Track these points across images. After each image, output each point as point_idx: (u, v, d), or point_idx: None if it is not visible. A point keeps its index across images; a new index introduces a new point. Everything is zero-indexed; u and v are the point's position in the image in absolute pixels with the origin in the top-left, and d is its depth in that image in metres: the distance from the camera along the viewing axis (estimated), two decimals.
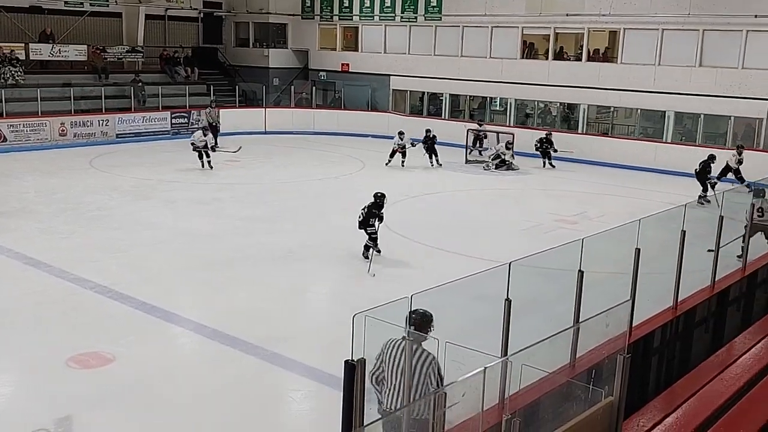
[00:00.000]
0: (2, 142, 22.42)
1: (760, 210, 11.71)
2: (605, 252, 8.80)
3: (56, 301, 10.50)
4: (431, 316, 5.37)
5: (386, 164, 21.90)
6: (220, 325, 9.64)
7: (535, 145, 22.75)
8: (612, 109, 25.08)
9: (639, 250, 7.30)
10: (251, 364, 8.74)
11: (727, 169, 18.51)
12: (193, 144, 20.72)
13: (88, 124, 24.52)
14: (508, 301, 6.10)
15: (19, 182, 18.16)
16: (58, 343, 8.96)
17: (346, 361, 5.00)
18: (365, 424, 4.86)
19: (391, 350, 5.34)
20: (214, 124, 24.31)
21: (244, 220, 15.24)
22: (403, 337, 5.29)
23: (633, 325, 6.91)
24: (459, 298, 8.43)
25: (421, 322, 5.30)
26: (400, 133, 22.29)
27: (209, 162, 20.41)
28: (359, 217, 12.51)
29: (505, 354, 5.89)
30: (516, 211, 17.30)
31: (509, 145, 22.13)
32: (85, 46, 27.31)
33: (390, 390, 5.35)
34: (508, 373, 4.38)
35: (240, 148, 22.01)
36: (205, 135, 20.71)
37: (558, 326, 6.10)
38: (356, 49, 30.84)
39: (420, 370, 5.16)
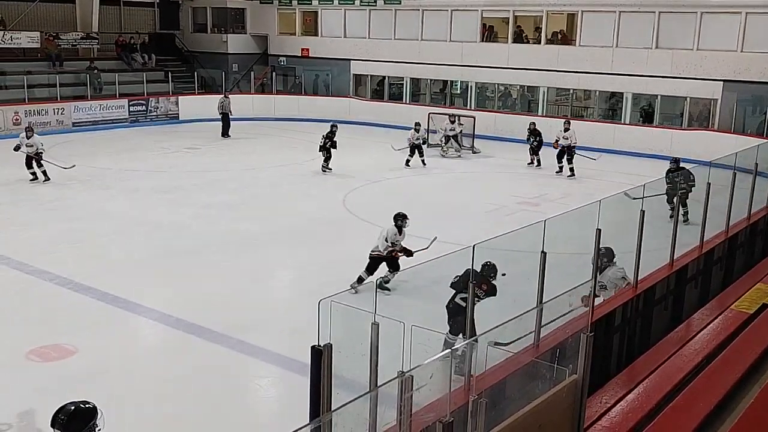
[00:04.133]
0: None
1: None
2: (567, 233, 8.92)
3: (15, 293, 10.32)
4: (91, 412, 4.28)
5: (407, 164, 19.57)
6: (184, 314, 9.57)
7: (528, 138, 20.69)
8: (571, 91, 25.31)
9: (600, 230, 7.41)
10: (216, 352, 8.69)
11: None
12: (18, 147, 16.74)
13: (43, 112, 24.02)
14: (473, 284, 6.15)
15: None
16: (18, 336, 8.81)
17: (313, 347, 5.01)
18: (333, 409, 4.88)
19: None
20: (226, 113, 24.48)
21: (207, 207, 15.11)
22: None
23: (594, 304, 7.02)
24: (423, 282, 8.49)
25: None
26: (417, 125, 19.90)
27: (44, 172, 16.60)
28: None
29: (472, 335, 5.95)
30: (479, 194, 17.39)
31: (452, 118, 22.17)
32: (38, 32, 26.71)
33: None
34: (474, 355, 4.42)
35: (74, 166, 17.32)
36: (29, 137, 16.70)
37: (521, 308, 6.18)
38: (316, 34, 30.61)
39: None
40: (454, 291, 7.57)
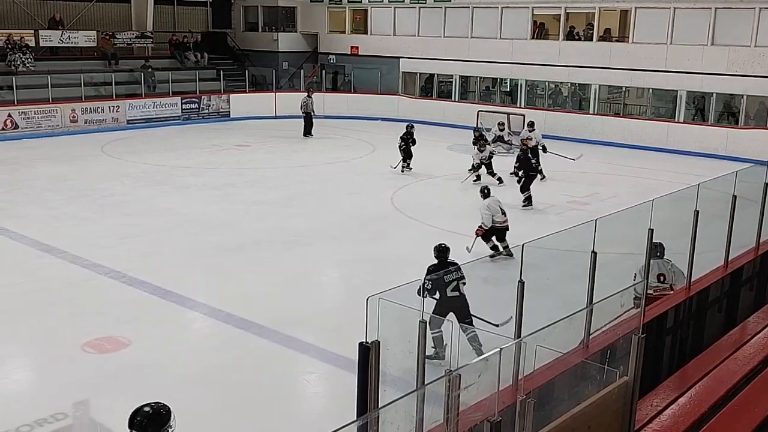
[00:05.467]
0: (14, 129, 22.51)
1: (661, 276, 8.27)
2: (618, 233, 8.80)
3: (71, 286, 10.59)
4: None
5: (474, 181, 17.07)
6: (234, 309, 9.70)
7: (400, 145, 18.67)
8: (624, 88, 24.92)
9: (652, 230, 7.30)
10: (265, 347, 8.79)
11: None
12: None
13: (99, 110, 24.57)
14: (522, 283, 6.11)
15: (31, 169, 18.23)
16: (74, 328, 9.04)
17: (361, 344, 5.03)
18: (380, 406, 4.89)
19: None
20: (309, 112, 24.33)
21: (256, 204, 15.29)
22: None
23: (646, 305, 6.91)
24: (472, 280, 8.45)
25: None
26: (481, 142, 17.73)
27: None
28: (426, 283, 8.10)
29: (519, 335, 5.90)
30: None
31: (501, 127, 21.95)
32: (95, 32, 27.32)
33: None
34: (522, 355, 4.40)
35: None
36: None
37: (570, 308, 6.11)
38: (365, 32, 30.70)
39: None
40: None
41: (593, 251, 6.52)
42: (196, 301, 10.03)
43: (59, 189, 16.24)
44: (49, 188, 16.25)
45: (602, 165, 20.20)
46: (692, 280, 8.09)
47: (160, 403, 4.32)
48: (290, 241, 12.84)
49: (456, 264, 8.25)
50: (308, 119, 24.37)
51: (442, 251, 8.43)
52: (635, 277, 7.80)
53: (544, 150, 18.04)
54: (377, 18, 30.19)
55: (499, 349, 3.98)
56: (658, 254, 8.17)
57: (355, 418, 4.85)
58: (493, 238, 11.57)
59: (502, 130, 21.86)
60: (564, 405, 4.55)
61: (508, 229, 11.67)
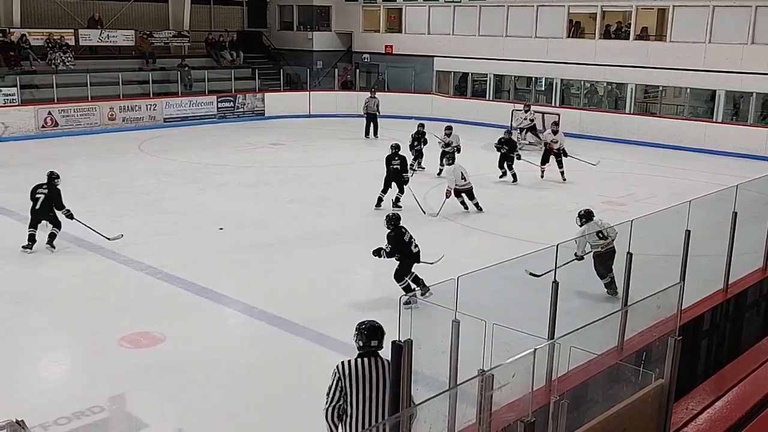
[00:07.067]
0: (54, 126, 22.92)
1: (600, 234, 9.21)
2: (654, 234, 8.69)
3: (108, 281, 10.76)
4: None
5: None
6: (268, 306, 9.78)
7: (496, 146, 18.18)
8: (661, 88, 24.60)
9: (689, 231, 7.21)
10: (298, 345, 8.85)
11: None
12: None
13: (137, 108, 24.91)
14: (556, 284, 6.08)
15: (71, 166, 18.49)
16: (111, 323, 9.18)
17: (394, 342, 5.04)
18: (412, 405, 4.90)
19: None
20: (373, 113, 23.92)
21: (290, 202, 15.38)
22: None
23: (682, 307, 6.83)
24: (504, 280, 8.42)
25: None
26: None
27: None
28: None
29: (552, 336, 5.88)
30: (562, 193, 17.11)
31: (526, 107, 22.13)
32: (133, 31, 27.71)
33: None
34: (556, 355, 4.37)
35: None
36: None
37: (604, 309, 6.07)
38: (400, 31, 30.72)
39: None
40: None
41: (629, 252, 6.47)
42: (230, 298, 10.13)
43: (97, 186, 16.49)
44: (88, 185, 16.50)
45: (638, 165, 19.99)
46: (730, 282, 7.97)
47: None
48: (324, 239, 12.90)
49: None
50: (373, 120, 23.88)
51: (392, 219, 9.88)
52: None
53: (565, 154, 18.00)
54: (412, 17, 30.18)
55: (533, 349, 3.96)
56: (592, 218, 9.59)
57: (388, 417, 4.87)
58: (463, 195, 14.57)
59: (527, 111, 21.95)
60: (598, 407, 4.52)
61: (472, 189, 14.61)
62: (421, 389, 5.40)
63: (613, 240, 9.02)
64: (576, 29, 26.40)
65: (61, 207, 11.90)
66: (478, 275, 10.41)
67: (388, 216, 10.06)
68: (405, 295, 9.38)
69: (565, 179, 17.61)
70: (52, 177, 11.94)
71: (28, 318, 9.40)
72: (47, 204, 11.75)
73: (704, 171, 18.97)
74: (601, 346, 5.98)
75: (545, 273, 8.19)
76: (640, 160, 20.77)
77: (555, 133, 18.10)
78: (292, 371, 8.18)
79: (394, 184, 14.74)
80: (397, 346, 4.95)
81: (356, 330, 5.31)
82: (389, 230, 9.85)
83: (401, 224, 9.91)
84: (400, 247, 9.73)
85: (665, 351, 4.63)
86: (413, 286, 9.73)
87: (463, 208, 14.65)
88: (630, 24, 24.84)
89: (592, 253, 9.29)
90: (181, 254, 11.96)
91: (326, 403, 5.21)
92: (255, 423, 7.14)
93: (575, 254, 8.95)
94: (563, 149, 17.98)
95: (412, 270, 9.86)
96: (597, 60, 24.99)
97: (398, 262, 9.82)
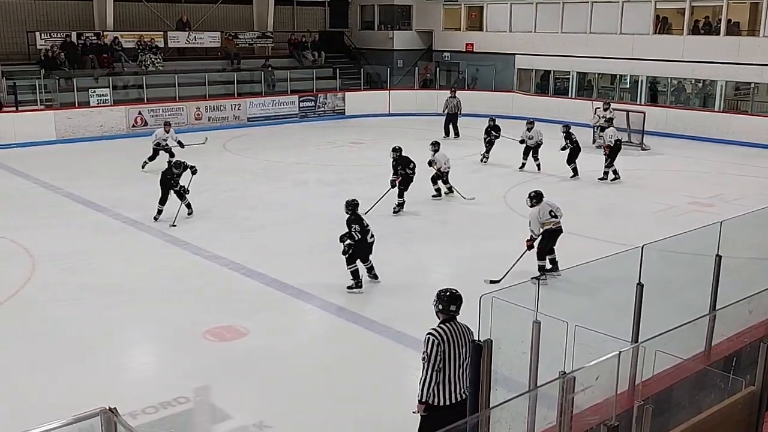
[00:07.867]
0: (143, 126, 23.70)
1: (551, 212, 10.85)
2: (744, 236, 8.39)
3: (194, 276, 11.08)
4: None
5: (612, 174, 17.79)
6: (346, 303, 9.92)
7: (484, 138, 19.65)
8: (753, 85, 23.67)
9: None
10: (376, 342, 8.92)
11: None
12: (159, 145, 18.27)
13: (222, 108, 25.54)
14: (640, 286, 5.94)
15: (159, 164, 19.12)
16: (196, 316, 9.46)
17: (473, 342, 5.02)
18: (492, 405, 4.88)
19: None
20: (454, 113, 23.75)
21: (370, 201, 15.44)
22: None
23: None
24: (588, 281, 8.28)
25: None
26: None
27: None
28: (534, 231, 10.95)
29: (636, 339, 5.74)
30: (647, 193, 16.68)
31: (606, 105, 21.58)
32: (219, 32, 28.41)
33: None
34: (640, 359, 4.28)
35: (206, 139, 20.20)
36: (167, 132, 18.34)
37: (690, 312, 5.89)
38: (481, 29, 30.52)
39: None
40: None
41: (717, 255, 6.26)
42: (310, 294, 10.29)
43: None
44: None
45: (728, 165, 19.30)
46: None
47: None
48: (402, 236, 12.94)
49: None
50: (450, 119, 23.76)
51: (350, 205, 10.47)
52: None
53: (535, 151, 18.71)
54: (493, 15, 29.94)
55: (617, 352, 3.89)
56: (542, 199, 10.83)
57: (467, 417, 4.86)
58: (439, 181, 15.52)
59: (606, 108, 21.50)
60: (684, 413, 4.40)
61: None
62: (500, 390, 5.38)
63: (560, 219, 10.72)
64: (663, 25, 25.66)
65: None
66: (561, 276, 10.26)
67: (347, 201, 10.59)
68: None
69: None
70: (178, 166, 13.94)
71: (118, 310, 9.77)
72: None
73: None
74: (688, 350, 5.81)
75: (503, 277, 10.08)
76: (730, 159, 20.05)
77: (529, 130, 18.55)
78: (370, 367, 8.25)
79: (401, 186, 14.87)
80: (477, 346, 4.94)
81: (436, 297, 5.71)
82: (348, 215, 10.44)
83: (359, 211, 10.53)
84: (362, 233, 10.33)
85: (756, 357, 4.46)
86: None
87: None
88: (720, 19, 23.98)
89: (542, 231, 10.67)
90: (261, 250, 12.21)
91: (427, 368, 5.57)
92: (335, 416, 7.22)
93: (531, 231, 10.72)
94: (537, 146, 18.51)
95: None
96: (685, 56, 24.24)
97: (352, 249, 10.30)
